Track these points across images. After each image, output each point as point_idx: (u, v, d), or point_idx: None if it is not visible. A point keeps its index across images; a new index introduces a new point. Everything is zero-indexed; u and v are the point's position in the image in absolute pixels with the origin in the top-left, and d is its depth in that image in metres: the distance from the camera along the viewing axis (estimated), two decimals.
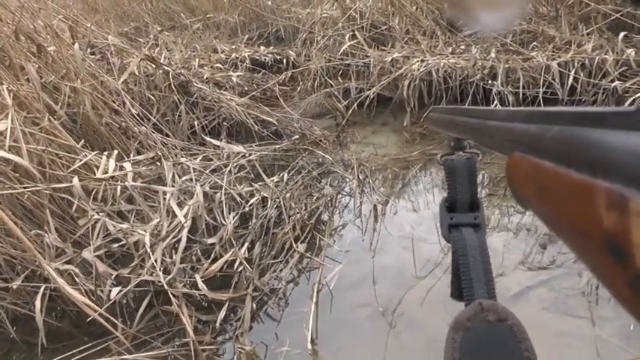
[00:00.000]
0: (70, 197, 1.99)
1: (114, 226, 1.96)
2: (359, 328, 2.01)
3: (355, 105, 3.93)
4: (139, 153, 2.67)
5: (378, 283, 2.22)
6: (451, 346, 0.38)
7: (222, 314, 2.06)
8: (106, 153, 2.26)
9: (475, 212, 0.51)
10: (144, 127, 2.88)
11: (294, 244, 2.39)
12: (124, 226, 2.00)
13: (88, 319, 1.86)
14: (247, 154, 2.86)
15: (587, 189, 0.18)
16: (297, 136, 3.45)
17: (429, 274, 2.21)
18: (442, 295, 2.04)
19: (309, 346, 1.88)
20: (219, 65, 4.51)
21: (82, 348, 1.92)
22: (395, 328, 1.97)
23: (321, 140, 3.51)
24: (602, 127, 0.19)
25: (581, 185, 0.19)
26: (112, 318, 1.86)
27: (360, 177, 3.02)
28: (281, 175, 2.85)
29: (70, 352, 1.90)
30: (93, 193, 2.09)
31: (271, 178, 2.76)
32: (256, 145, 3.22)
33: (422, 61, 3.81)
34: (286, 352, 1.94)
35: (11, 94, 2.04)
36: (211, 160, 2.79)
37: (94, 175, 2.15)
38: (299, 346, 1.93)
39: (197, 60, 4.43)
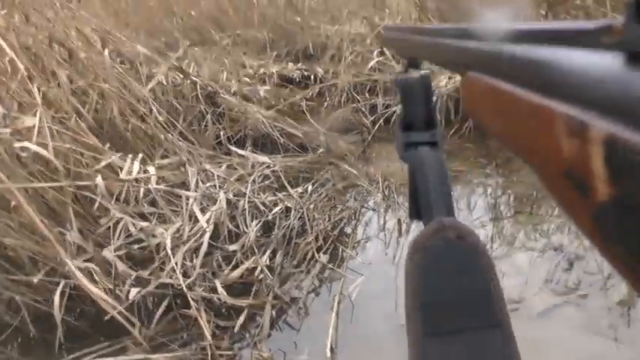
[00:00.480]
0: (93, 195, 1.99)
1: (135, 226, 1.95)
2: (379, 341, 1.97)
3: (382, 120, 3.91)
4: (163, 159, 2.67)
5: (400, 297, 2.17)
6: (411, 266, 0.37)
7: (241, 319, 2.03)
8: (130, 156, 2.26)
9: (431, 130, 0.49)
10: (170, 135, 2.89)
11: (316, 254, 2.36)
12: (145, 224, 2.00)
13: (107, 317, 1.85)
14: (272, 165, 2.85)
15: (546, 114, 0.17)
16: (323, 150, 3.44)
17: None
18: None
19: (329, 354, 1.84)
20: (247, 79, 4.53)
21: (99, 347, 1.91)
22: None
23: (346, 155, 3.48)
24: (562, 45, 0.17)
25: (540, 109, 0.18)
26: (130, 317, 1.85)
27: (385, 192, 2.99)
28: (305, 186, 2.83)
29: (88, 350, 1.89)
30: (116, 194, 2.09)
31: (295, 189, 2.74)
32: (281, 157, 3.22)
33: (449, 78, 3.79)
34: None
35: (41, 93, 2.06)
36: (236, 169, 2.79)
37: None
38: (318, 355, 1.89)
39: (225, 74, 4.45)
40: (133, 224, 1.99)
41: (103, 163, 2.06)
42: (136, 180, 2.14)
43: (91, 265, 1.89)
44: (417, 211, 0.43)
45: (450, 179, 0.44)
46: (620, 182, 0.13)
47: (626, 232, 0.13)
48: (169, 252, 1.98)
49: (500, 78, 0.22)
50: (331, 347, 1.86)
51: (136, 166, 2.20)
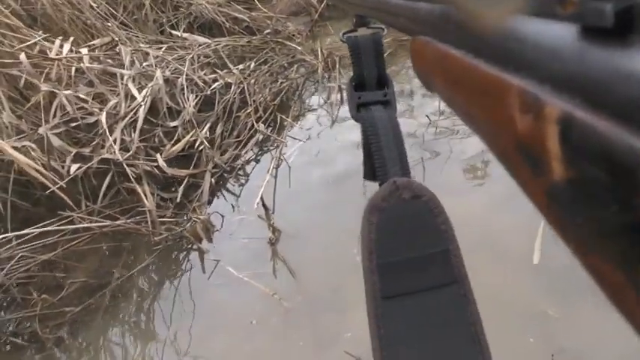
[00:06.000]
0: (19, 73, 2.01)
1: (68, 100, 1.99)
2: (314, 197, 2.06)
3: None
4: None
5: (336, 159, 2.25)
6: (367, 228, 0.37)
7: (181, 189, 2.11)
8: (60, 37, 2.26)
9: (384, 89, 0.47)
10: (109, 24, 2.87)
11: (255, 124, 2.41)
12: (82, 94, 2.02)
13: (47, 192, 1.92)
14: (213, 45, 2.86)
15: (498, 85, 0.16)
16: (269, 31, 3.42)
17: None
18: None
19: (256, 206, 1.93)
20: None
21: (46, 222, 1.98)
22: (348, 197, 2.01)
23: (294, 35, 3.47)
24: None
25: (492, 80, 0.16)
26: (75, 194, 1.92)
27: (328, 63, 3.02)
28: (248, 63, 2.85)
29: (35, 227, 1.96)
30: (45, 73, 2.10)
31: (237, 67, 2.76)
32: (226, 40, 3.20)
33: None
34: (241, 220, 2.00)
35: None
36: (176, 50, 2.79)
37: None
38: (255, 214, 1.99)
39: None
40: (68, 100, 2.02)
41: (27, 43, 2.06)
42: (67, 60, 2.16)
43: (27, 143, 1.93)
44: (371, 172, 0.42)
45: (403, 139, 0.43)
46: (574, 163, 0.12)
47: (578, 213, 0.13)
48: (105, 126, 2.02)
49: (449, 43, 0.21)
50: (263, 202, 1.94)
51: (66, 47, 2.20)
